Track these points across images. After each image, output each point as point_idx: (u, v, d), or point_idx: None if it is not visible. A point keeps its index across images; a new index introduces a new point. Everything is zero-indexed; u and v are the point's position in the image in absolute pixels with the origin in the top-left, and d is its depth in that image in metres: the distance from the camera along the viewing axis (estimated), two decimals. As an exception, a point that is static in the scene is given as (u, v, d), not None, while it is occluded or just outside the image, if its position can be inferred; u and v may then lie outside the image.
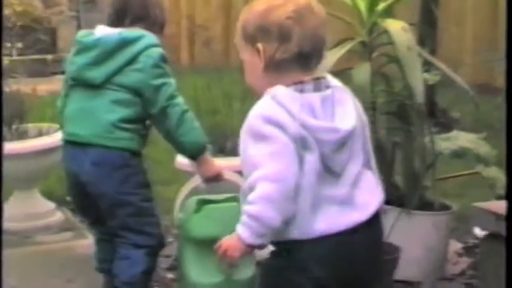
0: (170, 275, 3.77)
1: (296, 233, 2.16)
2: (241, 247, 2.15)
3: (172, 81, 3.11)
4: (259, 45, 2.19)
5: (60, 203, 4.55)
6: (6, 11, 7.71)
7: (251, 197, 2.11)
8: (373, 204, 2.25)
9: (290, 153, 2.10)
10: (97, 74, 3.09)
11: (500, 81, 6.60)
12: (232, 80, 4.64)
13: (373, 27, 3.72)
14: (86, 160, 3.10)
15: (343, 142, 2.18)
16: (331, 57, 3.38)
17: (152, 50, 3.09)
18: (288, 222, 2.13)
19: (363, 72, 3.54)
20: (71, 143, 3.16)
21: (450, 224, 3.78)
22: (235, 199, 3.10)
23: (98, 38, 3.13)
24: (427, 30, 6.11)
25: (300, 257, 2.18)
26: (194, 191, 3.36)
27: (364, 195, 2.24)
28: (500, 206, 3.12)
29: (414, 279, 3.58)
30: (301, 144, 2.12)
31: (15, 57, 8.42)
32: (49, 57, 9.48)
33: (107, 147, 3.07)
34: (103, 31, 3.16)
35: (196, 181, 3.33)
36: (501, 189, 3.54)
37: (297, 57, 2.18)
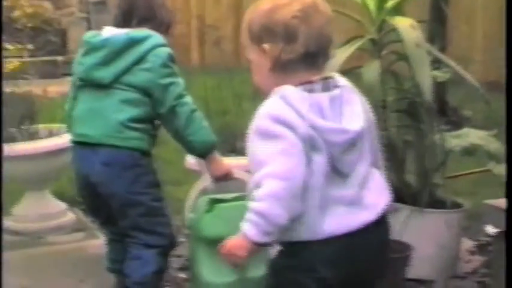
0: (182, 275, 3.77)
1: (305, 233, 2.15)
2: (247, 245, 2.12)
3: (180, 80, 3.11)
4: (265, 45, 2.18)
5: (71, 203, 4.56)
6: (16, 13, 7.73)
7: (258, 194, 2.09)
8: (381, 204, 2.24)
9: (298, 152, 2.09)
10: (105, 73, 3.09)
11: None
12: (242, 80, 4.63)
13: (382, 25, 3.72)
14: (96, 160, 3.10)
15: (352, 143, 2.17)
16: (340, 55, 3.38)
17: (160, 49, 3.10)
18: (296, 223, 2.12)
19: (372, 70, 3.54)
20: (80, 144, 3.17)
21: (462, 222, 3.77)
22: (245, 198, 3.09)
23: (105, 38, 3.13)
24: (437, 28, 6.10)
25: (307, 257, 2.17)
26: (204, 191, 3.35)
27: (373, 196, 2.23)
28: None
29: (426, 278, 3.58)
30: (310, 145, 2.10)
31: (25, 59, 8.44)
32: (59, 58, 9.52)
33: (117, 147, 3.07)
34: (110, 32, 3.16)
35: (206, 180, 3.32)
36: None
37: (303, 57, 2.16)
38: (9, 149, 4.22)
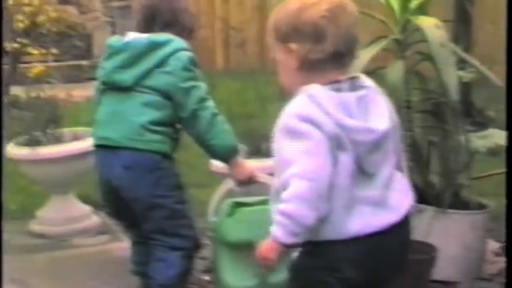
0: (206, 277, 3.76)
1: (330, 233, 2.14)
2: (276, 247, 2.12)
3: (202, 84, 3.10)
4: (293, 45, 2.17)
5: (96, 206, 4.58)
6: (41, 17, 7.78)
7: (285, 195, 2.09)
8: (405, 205, 2.24)
9: (325, 151, 2.08)
10: (126, 76, 3.10)
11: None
12: (267, 82, 4.63)
13: (406, 25, 3.70)
14: (117, 164, 3.10)
15: (378, 143, 2.16)
16: (364, 55, 3.36)
17: (181, 53, 3.10)
18: (322, 222, 2.11)
19: (396, 70, 3.52)
20: (102, 148, 3.17)
21: (487, 223, 3.74)
22: (269, 202, 3.08)
23: (126, 42, 3.14)
24: (462, 27, 6.06)
25: (332, 257, 2.16)
26: (228, 194, 3.35)
27: (397, 197, 2.22)
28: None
29: (451, 279, 3.56)
30: (336, 144, 2.10)
31: (50, 63, 8.50)
32: (84, 63, 9.56)
33: (139, 150, 3.07)
34: (133, 36, 3.17)
35: (230, 184, 3.31)
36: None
37: (331, 56, 2.15)
38: (34, 152, 4.26)
